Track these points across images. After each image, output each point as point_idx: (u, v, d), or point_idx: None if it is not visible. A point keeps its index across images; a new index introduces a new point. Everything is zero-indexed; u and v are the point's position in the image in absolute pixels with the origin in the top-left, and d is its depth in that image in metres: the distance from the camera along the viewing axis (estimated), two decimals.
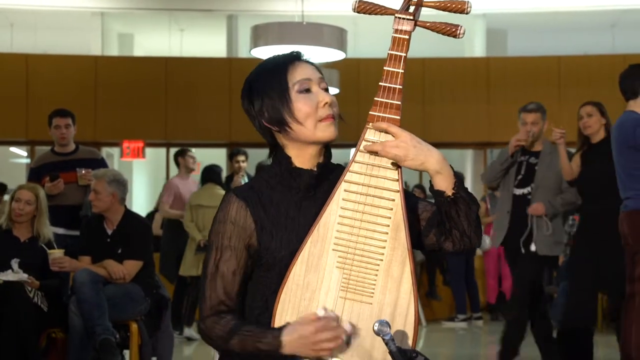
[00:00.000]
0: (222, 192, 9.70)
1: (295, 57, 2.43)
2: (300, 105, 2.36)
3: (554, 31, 16.83)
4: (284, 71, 2.38)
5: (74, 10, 16.35)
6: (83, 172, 7.26)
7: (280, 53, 2.47)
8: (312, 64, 2.44)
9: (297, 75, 2.38)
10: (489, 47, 16.64)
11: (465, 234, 2.36)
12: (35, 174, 7.62)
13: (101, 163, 7.69)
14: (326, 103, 2.38)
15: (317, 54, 9.39)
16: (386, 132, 2.31)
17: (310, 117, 2.37)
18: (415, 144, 2.29)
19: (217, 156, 15.55)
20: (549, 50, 16.00)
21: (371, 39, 15.28)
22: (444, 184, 2.32)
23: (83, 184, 7.24)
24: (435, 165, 2.31)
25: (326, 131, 2.39)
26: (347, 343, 2.25)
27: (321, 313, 2.23)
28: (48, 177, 7.20)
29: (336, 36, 9.84)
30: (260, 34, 9.91)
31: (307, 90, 2.38)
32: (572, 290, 6.89)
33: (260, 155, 11.96)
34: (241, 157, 10.48)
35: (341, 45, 9.82)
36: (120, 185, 6.56)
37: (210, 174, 9.97)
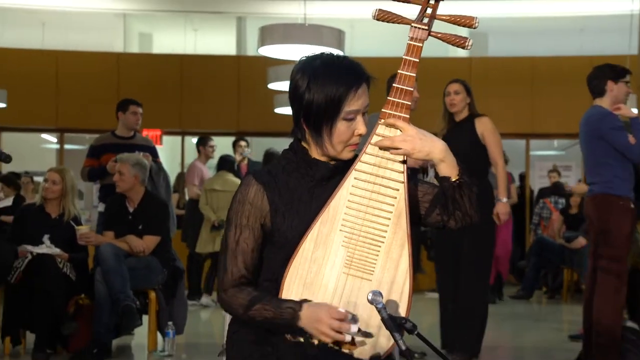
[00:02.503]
0: (234, 178, 9.83)
1: (364, 78, 2.35)
2: (342, 129, 2.33)
3: (528, 34, 16.82)
4: (347, 92, 2.31)
5: (99, 12, 16.32)
6: (141, 155, 7.25)
7: (351, 63, 2.38)
8: (368, 85, 2.37)
9: (353, 105, 2.32)
10: (472, 48, 16.62)
11: (467, 214, 2.38)
12: (94, 150, 7.61)
13: (153, 150, 7.69)
14: (360, 134, 2.36)
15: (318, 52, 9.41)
16: (394, 127, 2.31)
17: (342, 142, 2.35)
18: (421, 136, 2.29)
19: (226, 144, 15.55)
20: (524, 52, 15.99)
21: (366, 40, 15.28)
22: (448, 170, 2.33)
23: None
24: (439, 154, 2.31)
25: (348, 154, 2.39)
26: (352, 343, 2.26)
27: (342, 310, 2.22)
28: (114, 158, 7.09)
29: (335, 37, 9.83)
30: (267, 34, 9.91)
31: (352, 119, 2.35)
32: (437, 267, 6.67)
33: (265, 143, 11.98)
34: (243, 143, 10.63)
35: (339, 45, 9.81)
36: (142, 168, 6.60)
37: (224, 163, 10.09)
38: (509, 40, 17.05)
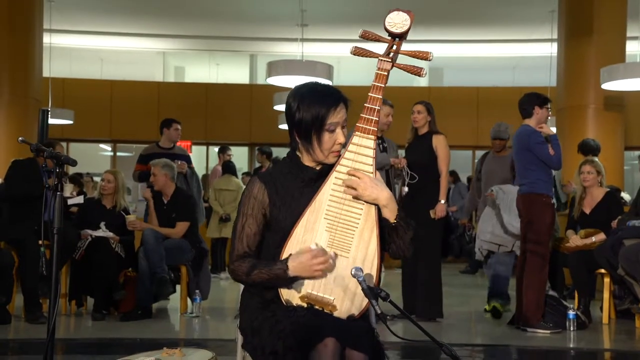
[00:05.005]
0: (237, 180, 9.81)
1: (341, 100, 2.36)
2: (325, 139, 2.32)
3: (475, 69, 16.88)
4: (328, 111, 2.31)
5: (144, 50, 16.34)
6: (179, 162, 7.21)
7: (331, 89, 2.39)
8: (346, 104, 2.37)
9: (333, 119, 2.31)
10: (431, 79, 16.68)
11: (400, 249, 2.36)
12: (143, 158, 7.50)
13: (188, 158, 7.65)
14: (340, 143, 2.35)
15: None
16: (354, 176, 2.29)
17: (327, 149, 2.34)
18: (372, 185, 2.28)
19: (240, 152, 15.56)
20: (471, 83, 16.04)
21: (350, 72, 15.32)
22: (389, 214, 2.31)
23: (179, 171, 7.19)
24: (384, 201, 2.29)
25: (332, 159, 2.36)
26: (331, 270, 2.25)
27: (313, 246, 2.23)
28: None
29: (325, 70, 9.85)
30: (273, 68, 9.92)
31: (333, 130, 2.34)
32: None
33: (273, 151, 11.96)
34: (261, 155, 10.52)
35: (329, 76, 9.83)
36: (170, 169, 6.56)
37: (228, 168, 10.02)
38: (459, 73, 17.11)
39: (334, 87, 2.43)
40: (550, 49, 11.56)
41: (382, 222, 2.33)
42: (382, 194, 2.29)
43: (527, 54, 15.47)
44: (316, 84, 2.41)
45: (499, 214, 6.54)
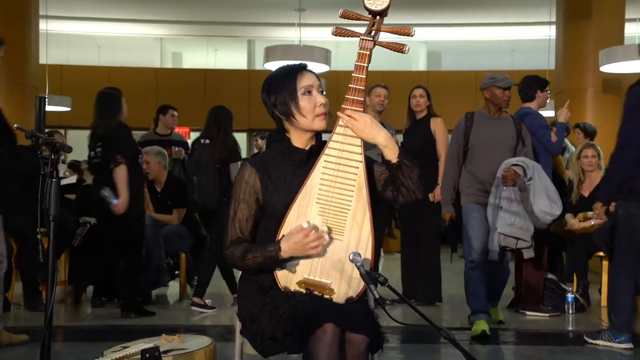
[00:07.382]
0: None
1: (303, 67, 2.40)
2: (304, 103, 2.34)
3: (473, 53, 16.83)
4: (294, 77, 2.35)
5: (142, 36, 16.27)
6: (176, 149, 7.20)
7: (292, 63, 2.43)
8: (314, 73, 2.41)
9: (304, 81, 2.35)
10: (429, 63, 16.61)
11: (411, 189, 2.31)
12: (141, 145, 7.46)
13: (186, 145, 7.65)
14: (322, 104, 2.35)
15: (310, 67, 9.39)
16: (351, 117, 2.28)
17: (310, 112, 2.34)
18: (371, 124, 2.27)
19: (239, 138, 15.49)
20: (469, 66, 15.99)
21: (347, 57, 15.23)
22: (390, 154, 2.28)
23: (176, 157, 7.18)
24: (383, 141, 2.27)
25: (320, 123, 2.37)
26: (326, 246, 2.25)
27: (305, 225, 2.22)
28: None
29: (323, 55, 9.80)
30: (271, 53, 9.87)
31: (309, 93, 2.35)
32: None
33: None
34: (258, 138, 10.51)
35: (327, 61, 9.79)
36: (163, 156, 6.58)
37: None
38: (458, 57, 17.05)
39: (300, 63, 2.45)
40: (549, 32, 11.50)
41: (386, 165, 2.32)
42: (380, 134, 2.28)
43: (525, 37, 15.42)
44: (281, 67, 2.44)
45: (527, 200, 4.93)
